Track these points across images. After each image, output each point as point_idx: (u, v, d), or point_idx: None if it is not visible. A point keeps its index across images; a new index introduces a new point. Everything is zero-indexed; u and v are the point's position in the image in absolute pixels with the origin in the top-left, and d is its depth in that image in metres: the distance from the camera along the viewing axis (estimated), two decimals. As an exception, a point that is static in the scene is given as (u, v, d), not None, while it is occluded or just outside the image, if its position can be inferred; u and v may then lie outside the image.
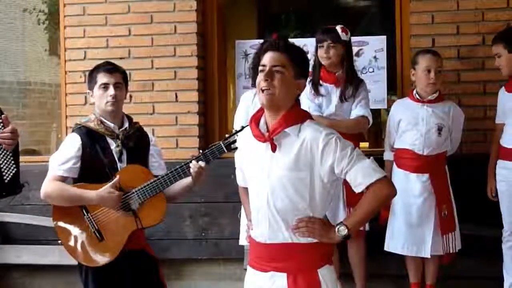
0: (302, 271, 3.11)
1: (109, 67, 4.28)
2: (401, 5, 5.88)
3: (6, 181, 3.60)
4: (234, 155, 3.46)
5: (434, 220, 5.05)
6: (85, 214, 4.17)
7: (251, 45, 6.19)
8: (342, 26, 5.15)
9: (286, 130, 3.10)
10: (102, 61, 4.44)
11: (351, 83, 5.14)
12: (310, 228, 3.08)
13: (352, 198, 4.63)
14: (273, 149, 3.11)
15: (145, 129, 4.48)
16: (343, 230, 3.09)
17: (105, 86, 4.22)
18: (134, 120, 4.41)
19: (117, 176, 4.10)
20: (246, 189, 3.32)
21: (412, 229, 5.07)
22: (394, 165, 5.20)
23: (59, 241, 4.27)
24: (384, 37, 6.10)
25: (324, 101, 5.14)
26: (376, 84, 5.56)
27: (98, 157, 4.15)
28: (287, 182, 3.08)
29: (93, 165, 4.16)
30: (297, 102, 3.21)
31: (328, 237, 3.11)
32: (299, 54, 3.21)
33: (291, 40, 3.37)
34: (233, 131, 4.18)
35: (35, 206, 5.83)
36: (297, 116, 3.15)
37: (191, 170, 4.08)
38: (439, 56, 5.17)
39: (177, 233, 5.90)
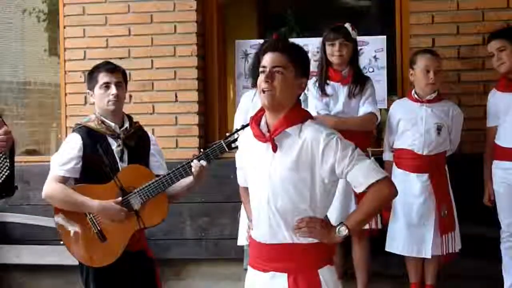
0: (302, 271, 3.11)
1: (109, 67, 4.28)
2: (401, 5, 5.88)
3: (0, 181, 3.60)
4: (234, 155, 3.46)
5: (434, 220, 5.05)
6: (88, 214, 4.17)
7: (251, 45, 6.19)
8: (350, 23, 5.17)
9: (287, 130, 3.10)
10: (102, 61, 4.45)
11: (358, 80, 5.15)
12: (310, 228, 3.08)
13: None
14: (274, 149, 3.11)
15: (145, 129, 4.48)
16: (343, 231, 3.09)
17: (107, 86, 4.22)
18: (134, 120, 4.41)
19: (120, 198, 4.11)
20: (247, 189, 3.32)
21: (413, 229, 5.07)
22: (394, 166, 5.20)
23: (61, 242, 4.27)
24: (384, 37, 6.10)
25: (332, 99, 5.15)
26: (376, 84, 5.54)
27: (99, 157, 4.15)
28: (287, 183, 3.08)
29: (94, 165, 4.15)
30: (298, 101, 3.21)
31: (329, 238, 3.11)
32: (300, 54, 3.20)
33: (291, 40, 3.37)
34: (234, 130, 4.18)
35: (35, 206, 5.83)
36: (298, 116, 3.15)
37: (193, 170, 4.08)
38: (438, 56, 5.17)
39: (177, 233, 5.91)
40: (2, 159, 3.59)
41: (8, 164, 3.63)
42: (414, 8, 5.72)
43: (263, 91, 3.10)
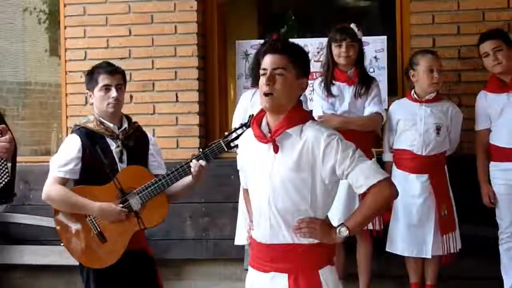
0: (303, 271, 3.11)
1: (110, 69, 4.27)
2: (401, 5, 5.88)
3: None
4: (234, 155, 3.46)
5: (434, 220, 5.04)
6: (87, 216, 4.17)
7: (251, 45, 6.19)
8: (355, 24, 5.18)
9: (288, 131, 3.10)
10: (101, 61, 4.45)
11: (364, 80, 5.16)
12: (311, 229, 3.08)
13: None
14: (275, 150, 3.11)
15: (146, 129, 4.48)
16: (344, 231, 3.09)
17: (107, 88, 4.21)
18: (134, 120, 4.41)
19: (120, 207, 4.11)
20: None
21: (413, 230, 5.06)
22: (394, 166, 5.20)
23: (61, 243, 4.27)
24: (385, 37, 6.10)
25: (337, 99, 5.16)
26: (376, 84, 5.55)
27: (98, 158, 4.14)
28: (288, 183, 3.07)
29: (93, 166, 4.15)
30: (299, 102, 3.21)
31: (329, 238, 3.11)
32: (300, 54, 3.20)
33: (291, 40, 3.36)
34: (232, 129, 4.18)
35: (35, 206, 5.83)
36: (299, 117, 3.15)
37: (192, 170, 4.08)
38: (438, 56, 5.17)
39: (177, 233, 5.91)
40: (4, 165, 3.59)
41: (9, 170, 3.63)
42: (414, 8, 5.72)
43: (265, 94, 3.10)
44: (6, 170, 3.59)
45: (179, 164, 4.14)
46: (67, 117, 6.18)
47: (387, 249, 5.16)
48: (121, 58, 5.89)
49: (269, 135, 3.13)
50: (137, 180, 4.14)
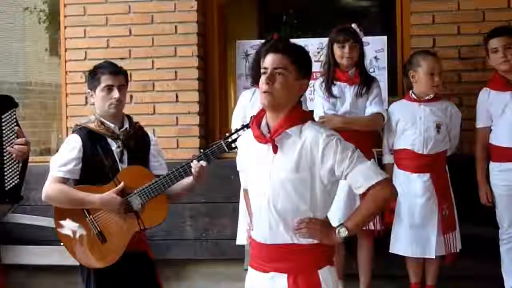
0: (302, 271, 3.11)
1: (113, 69, 4.26)
2: (401, 5, 5.88)
3: (6, 189, 3.61)
4: (234, 155, 3.46)
5: (437, 220, 5.04)
6: (87, 216, 4.17)
7: (251, 45, 6.19)
8: (356, 24, 5.18)
9: (287, 131, 3.10)
10: (103, 61, 4.44)
11: (365, 80, 5.17)
12: (310, 229, 3.08)
13: None
14: (275, 150, 3.11)
15: (146, 129, 4.48)
16: (343, 232, 3.10)
17: (109, 88, 4.21)
18: (135, 120, 4.41)
19: (122, 183, 4.10)
20: None
21: (416, 230, 5.05)
22: (395, 167, 5.20)
23: (61, 244, 4.27)
24: (385, 37, 6.10)
25: (338, 100, 5.16)
26: (377, 84, 5.55)
27: (99, 158, 4.14)
28: (288, 184, 3.08)
29: (94, 166, 4.15)
30: (299, 102, 3.21)
31: (329, 238, 3.11)
32: (301, 54, 3.20)
33: (292, 40, 3.36)
34: (234, 130, 4.18)
35: (36, 206, 5.83)
36: (299, 117, 3.15)
37: (192, 170, 4.08)
38: (439, 58, 5.17)
39: (177, 233, 5.91)
40: (16, 166, 3.61)
41: (19, 173, 3.66)
42: (414, 8, 5.72)
43: (264, 93, 3.10)
44: (17, 172, 3.62)
45: (179, 164, 4.14)
46: (67, 117, 6.18)
47: (390, 251, 5.15)
48: (121, 58, 5.89)
49: (268, 135, 3.13)
50: (138, 180, 4.14)
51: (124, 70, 4.37)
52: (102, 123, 4.23)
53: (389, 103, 5.67)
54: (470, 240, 5.16)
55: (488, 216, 5.20)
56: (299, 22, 7.88)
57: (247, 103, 5.09)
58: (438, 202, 5.04)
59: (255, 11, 8.09)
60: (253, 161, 3.20)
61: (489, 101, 5.14)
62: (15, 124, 3.66)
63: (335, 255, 3.28)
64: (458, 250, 5.10)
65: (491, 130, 5.15)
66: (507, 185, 5.08)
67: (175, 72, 6.01)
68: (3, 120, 3.55)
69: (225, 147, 4.11)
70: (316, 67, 5.57)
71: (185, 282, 5.99)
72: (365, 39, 5.46)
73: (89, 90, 4.32)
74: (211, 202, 5.85)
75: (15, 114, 3.68)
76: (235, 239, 5.29)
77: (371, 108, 5.16)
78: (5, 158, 3.59)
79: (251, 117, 3.37)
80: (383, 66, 6.03)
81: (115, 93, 4.20)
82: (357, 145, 3.15)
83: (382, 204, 3.15)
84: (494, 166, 5.14)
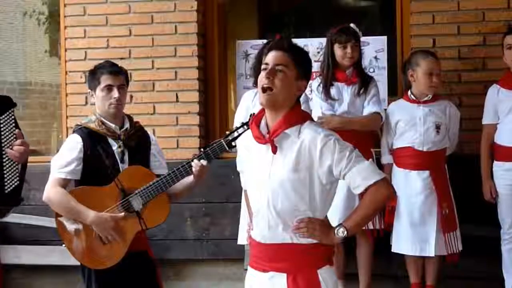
0: (302, 271, 3.11)
1: (113, 69, 4.26)
2: (401, 5, 5.88)
3: (6, 191, 3.60)
4: (234, 155, 3.46)
5: (436, 218, 5.03)
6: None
7: (251, 45, 6.19)
8: (354, 24, 5.20)
9: (286, 131, 3.10)
10: (104, 61, 4.44)
11: (363, 80, 5.18)
12: (310, 229, 3.08)
13: None
14: (274, 150, 3.11)
15: (146, 129, 4.47)
16: (342, 232, 3.10)
17: (109, 88, 4.21)
18: (136, 120, 4.40)
19: (122, 213, 4.10)
20: None
21: (416, 228, 5.05)
22: (394, 166, 5.20)
23: (63, 244, 4.26)
24: (385, 37, 6.10)
25: (336, 100, 5.16)
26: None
27: (100, 158, 4.14)
28: (287, 184, 3.08)
29: (94, 167, 4.15)
30: (298, 102, 3.21)
31: (328, 238, 3.11)
32: (303, 55, 3.21)
33: (292, 40, 3.37)
34: (234, 128, 4.17)
35: (35, 206, 5.82)
36: (298, 117, 3.15)
37: (193, 169, 4.08)
38: (438, 58, 5.17)
39: (177, 233, 5.91)
40: (15, 169, 3.60)
41: (19, 176, 3.64)
42: (414, 8, 5.72)
43: (263, 90, 3.10)
44: (17, 174, 3.60)
45: (179, 164, 4.14)
46: (67, 117, 6.18)
47: (393, 250, 5.14)
48: (121, 58, 5.89)
49: (267, 135, 3.13)
50: (139, 180, 4.14)
51: (124, 70, 4.37)
52: (103, 123, 4.23)
53: (389, 103, 5.67)
54: (470, 240, 5.15)
55: (488, 216, 5.20)
56: (299, 22, 7.88)
57: (250, 103, 5.09)
58: (437, 200, 5.04)
59: (255, 11, 8.09)
60: (253, 161, 3.20)
61: (498, 99, 5.12)
62: (14, 125, 3.62)
63: (335, 255, 3.28)
64: (459, 250, 5.10)
65: (497, 128, 5.14)
66: (509, 184, 5.08)
67: (175, 72, 6.01)
68: (1, 122, 3.53)
69: (226, 146, 4.11)
70: (316, 67, 5.58)
71: (185, 282, 5.99)
72: (365, 39, 5.47)
73: (89, 90, 4.32)
74: (211, 202, 5.86)
75: (13, 115, 3.64)
76: (235, 239, 5.29)
77: (369, 108, 5.17)
78: (4, 160, 3.57)
79: (251, 114, 3.37)
80: (383, 66, 6.03)
81: (115, 93, 4.20)
82: (356, 145, 3.15)
83: (381, 204, 3.15)
84: (497, 166, 5.14)
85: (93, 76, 4.27)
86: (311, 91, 5.28)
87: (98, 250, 4.15)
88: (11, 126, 3.58)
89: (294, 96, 3.16)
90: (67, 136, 5.37)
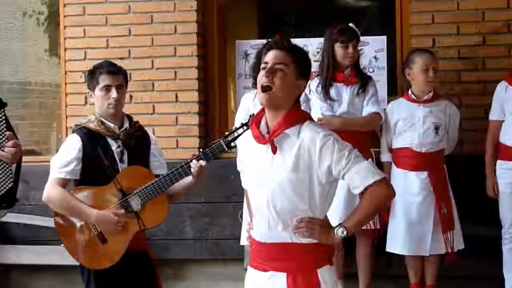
0: (301, 271, 3.11)
1: (111, 69, 4.25)
2: (401, 5, 5.88)
3: (0, 194, 3.59)
4: (234, 155, 3.45)
5: (434, 218, 5.04)
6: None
7: (251, 45, 6.19)
8: (352, 23, 5.20)
9: (286, 131, 3.10)
10: (103, 60, 4.44)
11: (361, 80, 5.19)
12: (310, 229, 3.08)
13: None
14: (274, 150, 3.11)
15: (145, 129, 4.47)
16: (341, 232, 3.09)
17: (108, 88, 4.20)
18: (135, 120, 4.40)
19: (122, 210, 4.10)
20: None
21: (413, 228, 5.06)
22: (393, 165, 5.20)
23: (62, 244, 4.26)
24: (384, 37, 6.10)
25: (336, 101, 5.16)
26: (376, 84, 5.55)
27: (99, 158, 4.14)
28: (287, 184, 3.08)
29: (94, 167, 4.14)
30: (298, 103, 3.21)
31: (328, 238, 3.11)
32: (302, 55, 3.21)
33: (292, 40, 3.37)
34: (233, 129, 4.17)
35: (35, 206, 5.83)
36: (297, 117, 3.15)
37: (192, 170, 4.08)
38: (435, 55, 5.17)
39: (177, 233, 5.91)
40: (8, 170, 3.58)
41: (12, 176, 3.62)
42: (414, 8, 5.72)
43: (263, 89, 3.10)
44: (10, 176, 3.58)
45: (179, 164, 4.13)
46: (66, 117, 6.18)
47: (387, 249, 5.16)
48: (121, 58, 5.89)
49: (267, 135, 3.13)
50: (138, 181, 4.14)
51: (124, 70, 4.36)
52: (102, 123, 4.22)
53: (389, 103, 5.67)
54: (470, 240, 5.15)
55: (488, 216, 5.20)
56: (299, 22, 7.88)
57: (250, 104, 5.08)
58: (436, 200, 5.05)
59: (255, 11, 8.09)
60: (253, 161, 3.20)
61: (505, 96, 5.12)
62: (4, 125, 3.59)
63: (335, 254, 3.28)
64: (457, 249, 5.09)
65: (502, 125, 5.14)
66: (510, 182, 5.07)
67: (175, 72, 6.01)
68: None
69: (225, 147, 4.10)
70: (315, 67, 5.57)
71: (185, 282, 5.99)
72: (364, 38, 5.48)
73: (88, 90, 4.32)
74: (211, 202, 5.86)
75: (4, 115, 3.60)
76: (235, 239, 5.30)
77: (368, 108, 5.17)
78: None
79: (251, 115, 3.37)
80: (382, 66, 6.04)
81: (113, 93, 4.19)
82: (356, 145, 3.14)
83: (380, 204, 3.15)
84: (499, 164, 5.14)
85: (92, 76, 4.27)
86: (309, 91, 5.28)
87: (96, 249, 4.15)
88: (2, 127, 3.55)
89: (293, 95, 3.16)
90: (66, 136, 5.37)
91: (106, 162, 4.13)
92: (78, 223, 4.19)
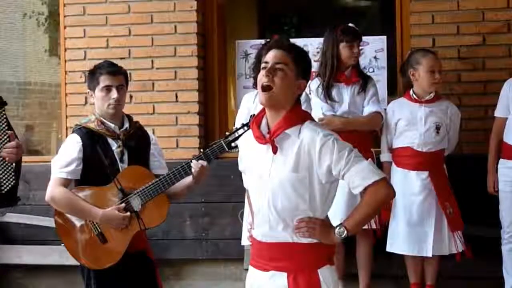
0: (302, 270, 3.11)
1: (112, 69, 4.24)
2: (401, 5, 5.88)
3: (3, 192, 3.60)
4: (234, 155, 3.45)
5: (435, 218, 5.03)
6: (88, 216, 4.17)
7: (251, 45, 6.19)
8: (353, 24, 5.22)
9: (287, 131, 3.10)
10: (103, 61, 4.44)
11: (362, 79, 5.20)
12: (310, 229, 3.08)
13: None
14: (274, 150, 3.11)
15: (145, 129, 4.47)
16: (342, 232, 3.09)
17: (108, 89, 4.19)
18: (135, 120, 4.40)
19: (123, 204, 4.11)
20: None
21: (413, 228, 5.05)
22: (393, 165, 5.20)
23: (62, 244, 4.26)
24: (384, 37, 6.11)
25: (337, 102, 5.16)
26: (376, 84, 5.56)
27: (99, 158, 4.13)
28: (287, 184, 3.08)
29: (94, 166, 4.14)
30: (298, 102, 3.21)
31: (328, 238, 3.11)
32: (302, 55, 3.21)
33: (292, 40, 3.37)
34: (234, 129, 4.17)
35: (35, 206, 5.83)
36: (298, 117, 3.15)
37: (192, 170, 4.08)
38: (438, 56, 5.18)
39: (177, 233, 5.91)
40: (10, 169, 3.59)
41: (14, 175, 3.64)
42: (414, 8, 5.72)
43: (263, 88, 3.10)
44: (12, 175, 3.59)
45: (179, 164, 4.13)
46: (66, 117, 6.18)
47: (387, 249, 5.15)
48: (121, 58, 5.89)
49: (268, 135, 3.13)
50: (138, 181, 4.14)
51: (124, 70, 4.35)
52: (102, 123, 4.22)
53: (389, 103, 5.67)
54: (470, 240, 5.15)
55: (488, 216, 5.20)
56: (299, 22, 7.89)
57: (251, 104, 5.07)
58: (437, 200, 5.04)
59: (255, 11, 8.10)
60: (253, 161, 3.20)
61: (510, 95, 5.10)
62: (5, 125, 3.60)
63: (335, 254, 3.28)
64: (460, 250, 5.08)
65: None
66: (510, 181, 5.07)
67: (175, 72, 6.01)
68: None
69: (225, 147, 4.11)
70: (315, 67, 5.58)
71: (185, 282, 5.99)
72: (365, 38, 5.49)
73: (88, 90, 4.32)
74: (211, 202, 5.86)
75: (5, 114, 3.61)
76: (235, 239, 5.30)
77: (369, 108, 5.17)
78: None
79: (251, 115, 3.37)
80: (382, 66, 6.04)
81: (114, 94, 4.19)
82: (356, 145, 3.14)
83: (380, 204, 3.14)
84: (501, 163, 5.14)
85: (92, 76, 4.26)
86: (309, 91, 5.28)
87: (97, 249, 4.15)
88: (3, 126, 3.56)
89: (294, 95, 3.16)
90: (66, 136, 5.37)
91: (106, 162, 4.13)
92: (78, 223, 4.19)
